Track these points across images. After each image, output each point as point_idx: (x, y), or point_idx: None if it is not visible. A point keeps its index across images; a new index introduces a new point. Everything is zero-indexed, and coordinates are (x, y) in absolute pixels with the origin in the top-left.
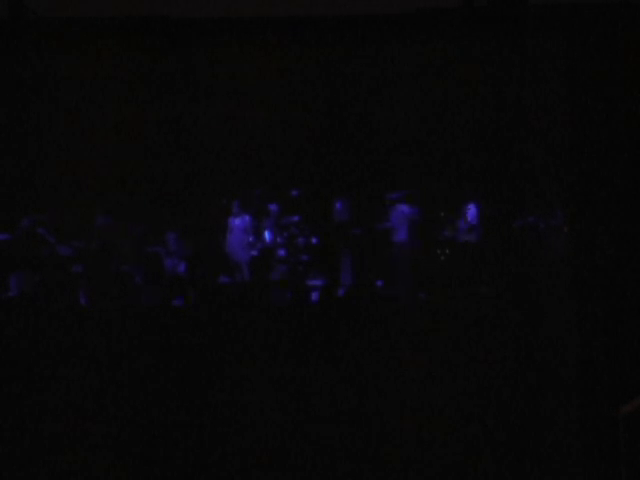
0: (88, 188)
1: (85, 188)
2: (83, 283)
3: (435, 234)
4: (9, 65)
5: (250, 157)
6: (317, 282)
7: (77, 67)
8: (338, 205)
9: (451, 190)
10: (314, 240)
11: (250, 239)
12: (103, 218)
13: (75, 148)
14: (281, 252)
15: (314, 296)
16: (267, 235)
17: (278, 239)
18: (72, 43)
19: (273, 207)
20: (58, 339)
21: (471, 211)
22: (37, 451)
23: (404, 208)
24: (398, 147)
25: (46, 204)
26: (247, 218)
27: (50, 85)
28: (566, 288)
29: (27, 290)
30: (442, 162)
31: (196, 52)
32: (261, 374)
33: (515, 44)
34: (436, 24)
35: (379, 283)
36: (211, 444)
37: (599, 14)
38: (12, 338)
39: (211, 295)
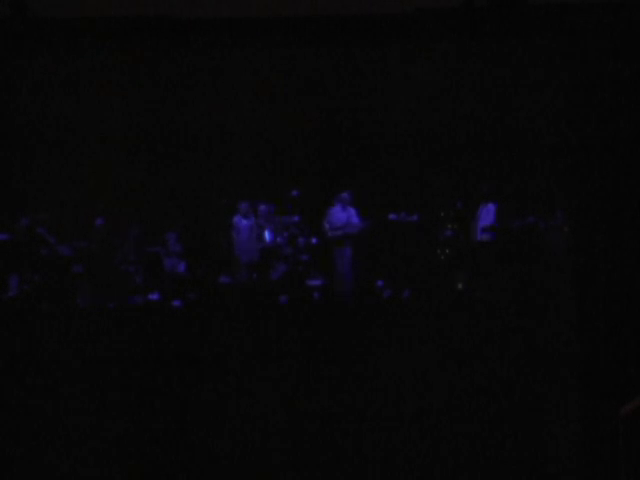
0: (88, 188)
1: (85, 188)
2: (83, 283)
3: (435, 234)
4: (9, 65)
5: (250, 157)
6: (317, 282)
7: (77, 67)
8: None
9: (451, 190)
10: (314, 240)
11: (257, 239)
12: (103, 218)
13: (75, 148)
14: (281, 252)
15: (314, 296)
16: (267, 235)
17: (278, 239)
18: (72, 43)
19: (273, 207)
20: (58, 339)
21: (490, 210)
22: (37, 451)
23: (351, 212)
24: (398, 147)
25: (46, 204)
26: (254, 218)
27: (50, 85)
28: (566, 288)
29: (27, 290)
30: (442, 162)
31: (196, 52)
32: (261, 374)
33: (515, 44)
34: (436, 24)
35: (379, 283)
36: (211, 443)
37: (599, 14)
38: (12, 338)
39: (211, 295)
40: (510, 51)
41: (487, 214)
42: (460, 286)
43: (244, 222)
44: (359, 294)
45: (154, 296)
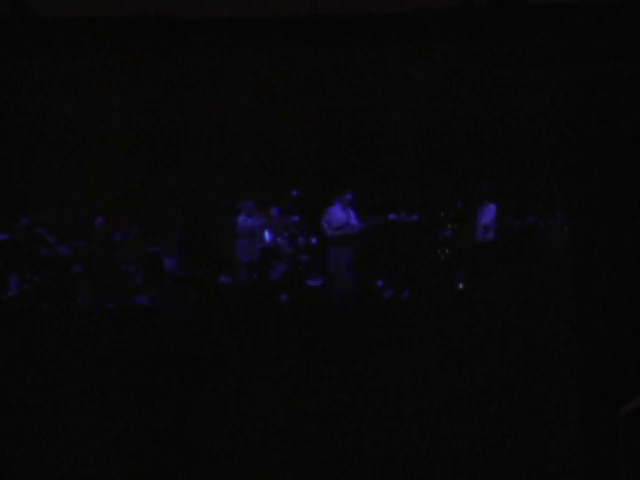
0: (88, 188)
1: (85, 188)
2: (83, 283)
3: (435, 234)
4: (9, 65)
5: (251, 157)
6: (317, 282)
7: (77, 67)
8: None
9: (451, 190)
10: (314, 240)
11: (258, 239)
12: (103, 218)
13: (75, 148)
14: (281, 252)
15: (314, 296)
16: (267, 235)
17: (278, 239)
18: (72, 43)
19: (272, 207)
20: (58, 339)
21: (490, 210)
22: (37, 451)
23: (351, 213)
24: (398, 147)
25: (46, 204)
26: (257, 219)
27: (50, 85)
28: (566, 288)
29: (27, 290)
30: (441, 162)
31: (196, 52)
32: (261, 374)
33: (515, 44)
34: (436, 24)
35: (379, 283)
36: (211, 443)
37: (599, 14)
38: (12, 338)
39: (211, 295)
40: (510, 51)
41: (487, 213)
42: (459, 286)
43: (248, 221)
44: (359, 294)
45: (154, 296)
